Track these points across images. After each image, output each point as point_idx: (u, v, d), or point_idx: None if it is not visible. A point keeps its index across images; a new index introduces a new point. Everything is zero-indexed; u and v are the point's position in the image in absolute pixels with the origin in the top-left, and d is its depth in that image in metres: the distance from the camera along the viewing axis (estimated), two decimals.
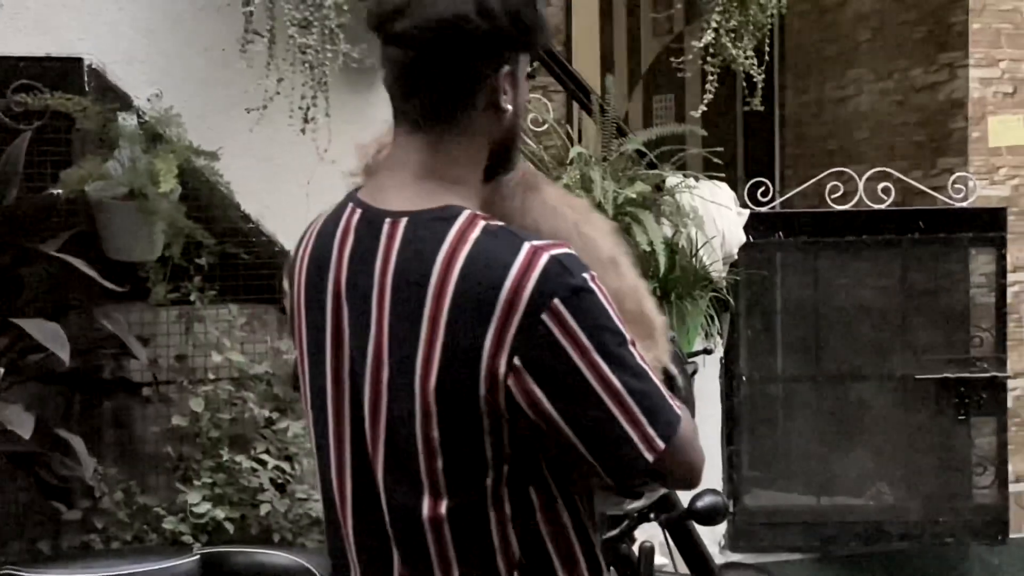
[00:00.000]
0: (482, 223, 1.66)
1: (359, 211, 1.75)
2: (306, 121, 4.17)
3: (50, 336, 3.69)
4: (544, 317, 1.59)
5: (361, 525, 1.75)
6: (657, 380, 1.67)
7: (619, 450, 1.63)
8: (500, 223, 1.67)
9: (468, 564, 1.68)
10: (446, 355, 1.62)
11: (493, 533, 1.67)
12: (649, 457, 1.63)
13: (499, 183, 1.81)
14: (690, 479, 1.71)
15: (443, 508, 1.66)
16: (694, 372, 3.39)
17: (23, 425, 3.61)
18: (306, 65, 4.13)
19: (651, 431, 1.63)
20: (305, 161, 4.34)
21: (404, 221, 1.69)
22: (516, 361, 1.60)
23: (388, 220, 1.70)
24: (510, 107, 1.73)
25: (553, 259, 1.61)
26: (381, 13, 1.70)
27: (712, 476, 4.95)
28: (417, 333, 1.63)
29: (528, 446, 1.67)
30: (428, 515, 1.67)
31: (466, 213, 1.67)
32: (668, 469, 1.66)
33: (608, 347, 1.61)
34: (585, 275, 1.62)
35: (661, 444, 1.63)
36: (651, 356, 1.73)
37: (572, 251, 1.64)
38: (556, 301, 1.59)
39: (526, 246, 1.62)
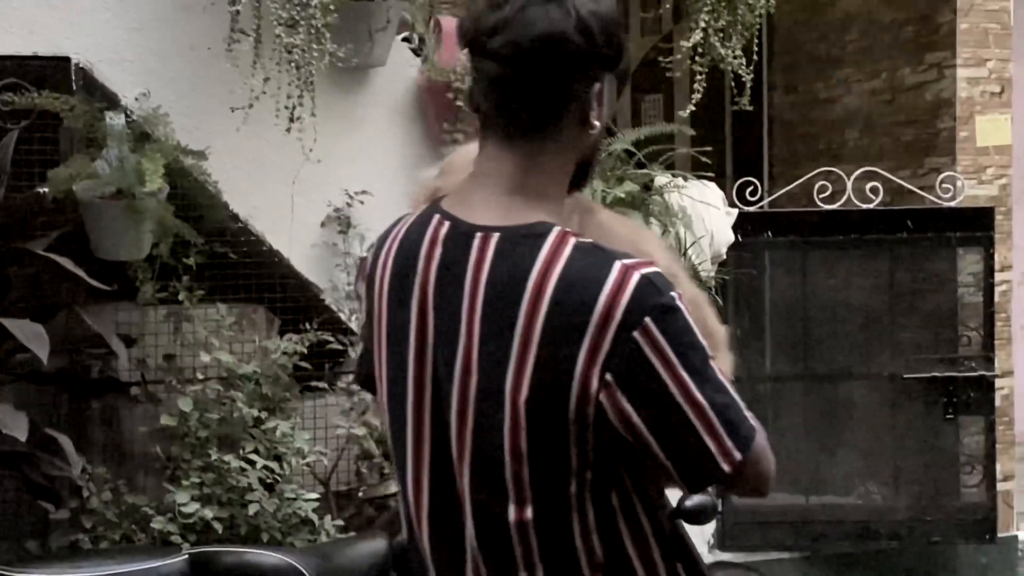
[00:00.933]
0: (573, 240, 1.71)
1: (447, 224, 1.78)
2: (292, 121, 4.16)
3: (31, 336, 3.68)
4: (636, 335, 1.66)
5: (437, 526, 1.81)
6: (735, 394, 1.73)
7: (700, 462, 1.70)
8: (589, 239, 1.73)
9: (552, 567, 1.74)
10: (538, 370, 1.68)
11: (577, 537, 1.73)
12: (727, 468, 1.70)
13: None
14: (763, 489, 1.77)
15: (528, 514, 1.72)
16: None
17: (17, 426, 3.61)
18: (292, 65, 4.13)
19: (729, 444, 1.70)
20: (293, 160, 4.34)
21: (496, 236, 1.74)
22: (608, 377, 1.66)
23: (479, 235, 1.74)
24: (598, 123, 1.79)
25: (644, 278, 1.68)
26: (478, 29, 1.75)
27: None
28: (509, 347, 1.69)
29: (610, 454, 1.73)
30: (514, 520, 1.73)
31: (556, 230, 1.72)
32: (743, 479, 1.73)
33: (694, 363, 1.68)
34: (672, 293, 1.69)
35: (738, 456, 1.70)
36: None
37: (659, 269, 1.71)
38: (647, 320, 1.66)
39: (617, 264, 1.68)
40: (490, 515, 1.75)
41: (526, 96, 1.74)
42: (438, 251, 1.77)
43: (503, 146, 1.77)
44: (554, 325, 1.67)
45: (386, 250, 1.85)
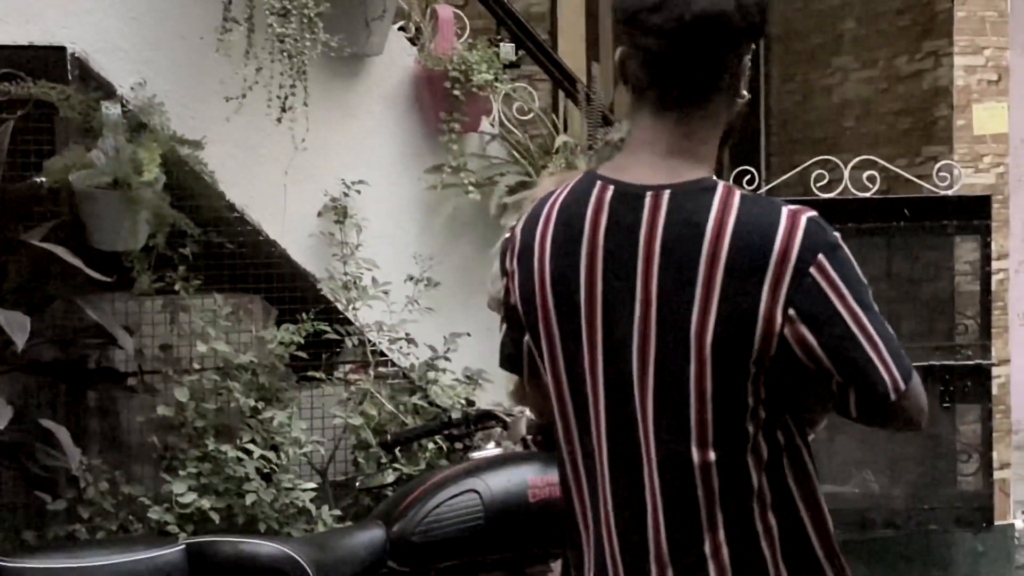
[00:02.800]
0: (737, 191, 1.85)
1: (611, 187, 1.90)
2: (284, 110, 4.16)
3: (13, 324, 3.67)
4: (812, 271, 1.80)
5: (618, 479, 1.90)
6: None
7: (874, 387, 1.83)
8: (750, 190, 1.79)
9: (729, 505, 1.85)
10: (722, 312, 1.80)
11: (751, 475, 1.85)
12: (893, 395, 1.83)
13: None
14: (919, 420, 1.89)
15: (711, 455, 1.84)
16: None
17: (0, 415, 3.60)
18: (284, 54, 4.12)
19: (896, 373, 1.83)
20: (289, 150, 4.33)
21: (667, 193, 1.85)
22: (791, 311, 1.80)
23: (650, 193, 1.86)
24: (746, 92, 1.93)
25: (811, 220, 1.83)
26: (638, 7, 1.86)
27: None
28: (692, 294, 1.82)
29: (776, 392, 1.86)
30: (698, 462, 1.84)
31: (722, 183, 1.86)
32: (904, 409, 1.85)
33: (862, 296, 1.83)
34: (836, 234, 1.85)
35: (903, 385, 1.84)
36: None
37: (816, 213, 1.85)
38: (820, 256, 1.81)
39: (785, 210, 1.83)
40: (675, 460, 1.85)
41: (684, 69, 1.86)
42: (605, 213, 1.89)
43: (658, 115, 1.89)
44: (735, 269, 1.80)
45: (543, 222, 1.95)
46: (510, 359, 2.09)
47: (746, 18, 1.86)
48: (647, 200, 1.86)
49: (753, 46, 1.93)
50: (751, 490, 1.85)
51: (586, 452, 1.94)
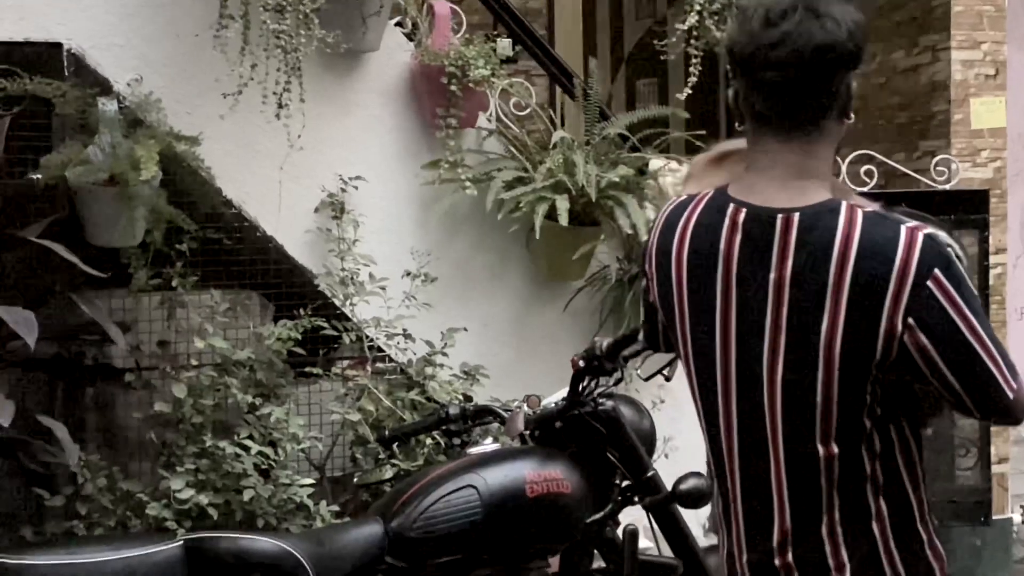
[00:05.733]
0: (860, 210, 2.08)
1: (744, 210, 2.14)
2: (281, 106, 4.15)
3: (20, 321, 3.67)
4: (929, 284, 2.02)
5: (746, 466, 2.17)
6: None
7: (988, 387, 2.05)
8: (871, 207, 2.11)
9: (845, 491, 2.10)
10: (849, 324, 2.04)
11: (865, 464, 2.10)
12: (1010, 394, 2.06)
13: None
14: None
15: (835, 449, 2.08)
16: (677, 355, 3.40)
17: (2, 411, 3.60)
18: (279, 50, 4.11)
19: (1008, 374, 2.06)
20: (286, 146, 4.33)
21: (796, 216, 2.09)
22: (910, 320, 2.02)
23: (780, 216, 2.10)
24: (852, 114, 2.15)
25: (927, 236, 2.05)
26: (759, 45, 2.08)
27: (696, 459, 4.95)
28: (821, 309, 2.05)
29: (893, 392, 2.09)
30: (824, 455, 2.09)
31: (845, 204, 2.09)
32: (1020, 405, 2.07)
33: (974, 306, 2.04)
34: (950, 249, 2.07)
35: (1015, 384, 2.06)
36: None
37: (935, 230, 2.07)
38: (937, 271, 2.03)
39: (903, 228, 2.05)
40: (800, 452, 2.11)
41: (804, 97, 2.09)
42: (739, 233, 2.13)
43: (781, 140, 2.12)
44: (860, 284, 2.03)
45: (679, 235, 2.21)
46: (648, 337, 2.44)
47: (856, 44, 2.08)
48: (778, 223, 2.10)
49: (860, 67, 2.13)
50: (864, 477, 2.10)
51: (717, 444, 2.21)
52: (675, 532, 3.38)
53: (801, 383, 2.08)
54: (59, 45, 4.30)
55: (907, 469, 2.15)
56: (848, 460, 2.09)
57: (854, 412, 2.08)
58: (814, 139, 2.12)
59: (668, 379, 3.45)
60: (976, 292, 2.07)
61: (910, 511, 2.17)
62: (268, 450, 4.15)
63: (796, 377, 2.09)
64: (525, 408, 3.41)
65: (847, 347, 2.04)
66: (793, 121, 2.11)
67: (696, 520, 5.01)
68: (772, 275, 2.10)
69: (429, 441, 4.28)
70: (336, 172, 4.61)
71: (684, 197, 2.29)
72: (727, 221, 2.15)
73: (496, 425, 3.55)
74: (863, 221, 2.06)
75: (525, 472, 3.17)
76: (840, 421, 2.08)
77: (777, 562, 2.15)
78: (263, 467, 4.14)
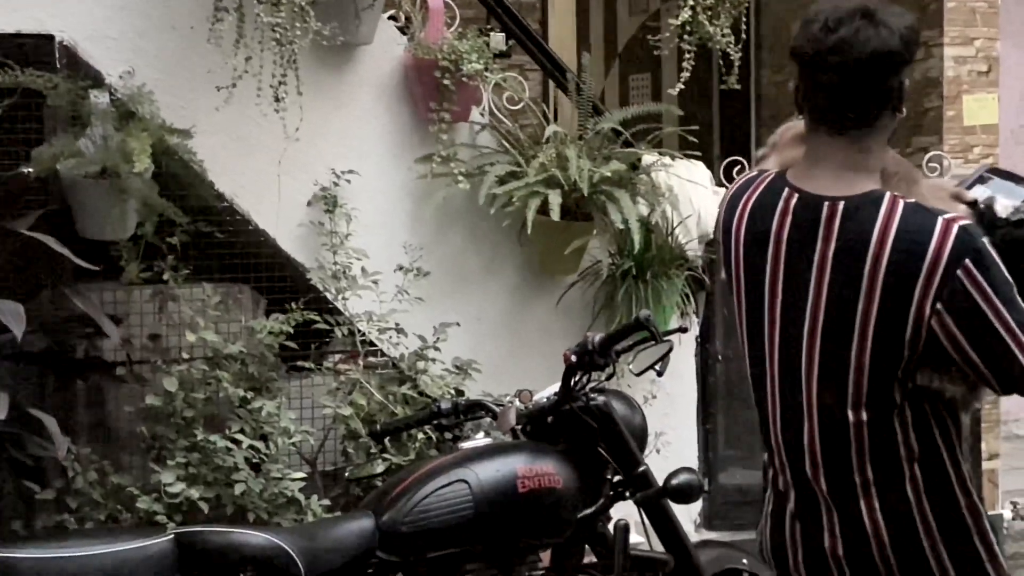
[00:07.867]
0: (901, 202, 2.26)
1: (796, 195, 2.34)
2: (277, 99, 4.14)
3: (8, 313, 3.66)
4: (959, 273, 2.20)
5: (786, 429, 2.38)
6: None
7: (1011, 368, 2.23)
8: (912, 200, 2.26)
9: (877, 459, 2.30)
10: (884, 302, 2.23)
11: (898, 434, 2.29)
12: None
13: (885, 175, 2.37)
14: None
15: (864, 416, 2.28)
16: (669, 350, 3.40)
17: None
18: (274, 43, 4.10)
19: None
20: (279, 139, 4.32)
21: (841, 204, 2.28)
22: (939, 306, 2.21)
23: (827, 203, 2.29)
24: (903, 111, 2.33)
25: (962, 228, 2.22)
26: (818, 50, 2.27)
27: (687, 454, 4.96)
28: (858, 290, 2.25)
29: (924, 369, 2.27)
30: (853, 421, 2.29)
31: (888, 195, 2.27)
32: None
33: (1003, 293, 2.21)
34: (984, 240, 2.23)
35: None
36: None
37: (971, 222, 2.25)
38: (967, 261, 2.20)
39: (940, 219, 2.22)
40: (832, 417, 2.31)
41: (859, 97, 2.27)
42: (790, 216, 2.33)
43: (836, 136, 2.30)
44: (895, 268, 2.22)
45: (740, 209, 2.41)
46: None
47: (908, 48, 2.28)
48: (824, 210, 2.29)
49: (910, 68, 2.32)
50: (896, 444, 2.28)
51: (765, 410, 2.41)
52: (666, 527, 3.38)
53: (836, 354, 2.28)
54: (51, 37, 4.29)
55: (945, 445, 2.32)
56: (878, 427, 2.28)
57: (884, 384, 2.27)
58: (865, 134, 2.30)
59: (660, 374, 3.45)
60: (1008, 279, 2.22)
61: (948, 483, 2.32)
62: (259, 444, 4.15)
63: (832, 348, 2.28)
64: (517, 403, 3.41)
65: (879, 328, 2.23)
66: (847, 118, 2.29)
67: (687, 515, 5.03)
68: (816, 257, 2.29)
69: (421, 436, 4.27)
70: (329, 166, 4.61)
71: (752, 174, 2.48)
72: (781, 204, 2.35)
73: (488, 420, 3.55)
74: (903, 210, 2.24)
75: (517, 467, 3.16)
76: (871, 390, 2.27)
77: (824, 519, 2.36)
78: (254, 461, 4.14)
